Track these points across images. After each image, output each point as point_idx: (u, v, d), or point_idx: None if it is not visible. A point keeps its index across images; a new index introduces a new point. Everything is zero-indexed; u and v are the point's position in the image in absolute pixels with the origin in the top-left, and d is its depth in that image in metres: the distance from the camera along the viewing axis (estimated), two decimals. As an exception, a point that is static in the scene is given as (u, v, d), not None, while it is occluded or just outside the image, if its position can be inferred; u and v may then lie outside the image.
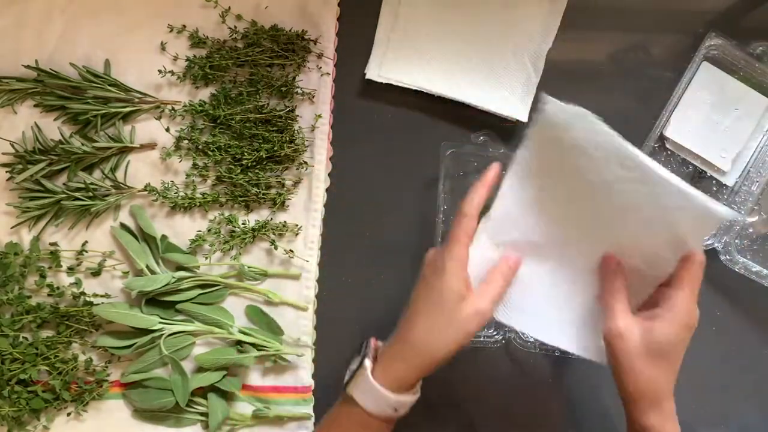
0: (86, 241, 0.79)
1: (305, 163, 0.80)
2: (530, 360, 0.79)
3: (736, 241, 0.79)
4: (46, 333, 0.77)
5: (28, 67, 0.79)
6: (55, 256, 0.78)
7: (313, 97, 0.81)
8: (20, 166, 0.78)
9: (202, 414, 0.77)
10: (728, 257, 0.78)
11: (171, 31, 0.81)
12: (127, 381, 0.76)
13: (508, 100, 0.80)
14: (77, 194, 0.77)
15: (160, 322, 0.76)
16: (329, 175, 0.81)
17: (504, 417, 0.79)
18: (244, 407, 0.78)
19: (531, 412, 0.80)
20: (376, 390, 0.63)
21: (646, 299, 0.65)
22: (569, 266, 0.68)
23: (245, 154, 0.79)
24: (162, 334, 0.75)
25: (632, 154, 0.61)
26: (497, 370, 0.80)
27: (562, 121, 0.62)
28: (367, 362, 0.64)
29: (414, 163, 0.82)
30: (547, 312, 0.68)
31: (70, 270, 0.78)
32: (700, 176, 0.81)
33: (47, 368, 0.75)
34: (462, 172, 0.80)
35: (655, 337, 0.59)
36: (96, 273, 0.79)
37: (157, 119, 0.80)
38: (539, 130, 0.64)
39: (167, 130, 0.79)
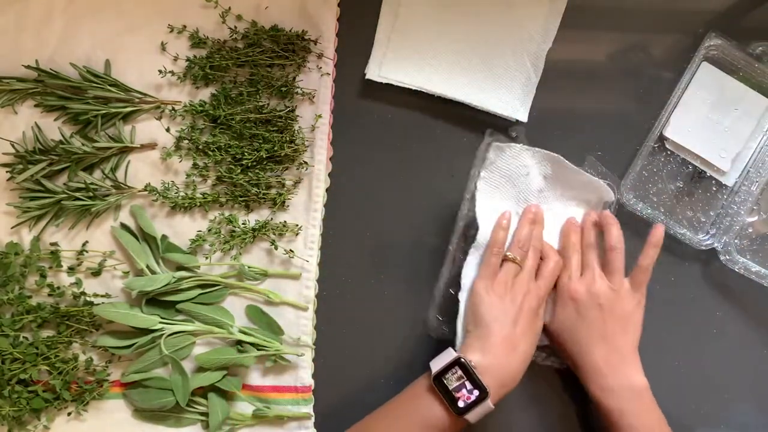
0: (86, 241, 0.79)
1: (305, 163, 0.80)
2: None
3: (736, 241, 0.79)
4: (46, 333, 0.77)
5: (28, 67, 0.79)
6: (55, 256, 0.78)
7: (313, 97, 0.81)
8: (21, 166, 0.78)
9: (202, 414, 0.77)
10: (728, 257, 0.78)
11: (171, 31, 0.81)
12: (127, 381, 0.76)
13: (508, 100, 0.80)
14: (77, 194, 0.77)
15: (161, 322, 0.76)
16: (329, 175, 0.81)
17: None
18: (244, 407, 0.78)
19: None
20: (488, 408, 0.67)
21: None
22: None
23: (245, 154, 0.79)
24: (162, 334, 0.75)
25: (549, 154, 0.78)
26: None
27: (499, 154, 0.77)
28: (490, 400, 0.66)
29: (414, 162, 0.82)
30: None
31: (71, 270, 0.78)
32: (699, 176, 0.81)
33: (47, 368, 0.75)
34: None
35: (555, 319, 0.75)
36: (96, 273, 0.79)
37: (157, 119, 0.80)
38: (489, 165, 0.77)
39: (167, 130, 0.79)
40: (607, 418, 0.70)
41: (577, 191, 0.79)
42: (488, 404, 0.66)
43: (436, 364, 0.68)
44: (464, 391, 0.66)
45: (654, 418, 0.70)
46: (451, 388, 0.66)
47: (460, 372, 0.67)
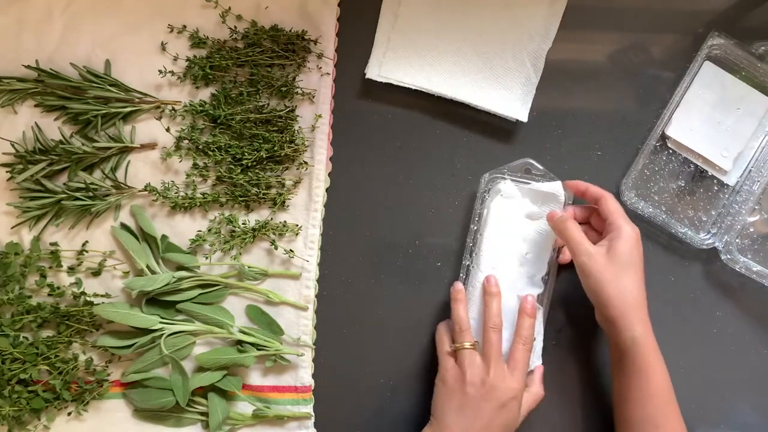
0: (86, 241, 0.79)
1: (305, 163, 0.80)
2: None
3: (737, 240, 0.79)
4: (46, 333, 0.77)
5: (28, 67, 0.79)
6: (55, 255, 0.78)
7: (313, 97, 0.81)
8: (21, 166, 0.78)
9: (202, 414, 0.77)
10: (729, 257, 0.78)
11: (171, 31, 0.81)
12: (127, 381, 0.76)
13: (508, 100, 0.80)
14: (78, 194, 0.77)
15: (161, 322, 0.76)
16: (329, 175, 0.81)
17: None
18: (245, 407, 0.78)
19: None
20: None
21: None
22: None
23: (245, 154, 0.79)
24: (162, 334, 0.75)
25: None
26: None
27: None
28: None
29: (414, 162, 0.82)
30: None
31: (71, 270, 0.79)
32: (701, 175, 0.81)
33: (48, 368, 0.75)
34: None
35: (616, 251, 0.70)
36: (96, 273, 0.79)
37: (157, 119, 0.80)
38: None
39: (167, 130, 0.79)
40: None
41: (538, 205, 0.78)
42: None
43: None
44: None
45: None
46: None
47: None
